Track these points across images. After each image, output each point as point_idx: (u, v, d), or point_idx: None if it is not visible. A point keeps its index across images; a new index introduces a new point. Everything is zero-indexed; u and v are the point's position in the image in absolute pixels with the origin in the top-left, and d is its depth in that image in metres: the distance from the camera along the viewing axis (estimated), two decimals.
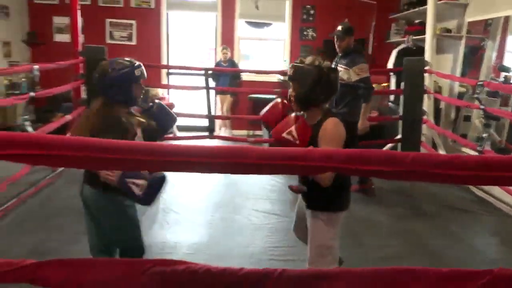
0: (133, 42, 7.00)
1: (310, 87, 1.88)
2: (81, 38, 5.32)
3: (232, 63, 6.64)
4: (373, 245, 3.15)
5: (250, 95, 6.75)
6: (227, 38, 7.05)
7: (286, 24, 7.13)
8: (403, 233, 3.39)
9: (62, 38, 6.72)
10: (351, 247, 3.09)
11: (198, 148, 0.84)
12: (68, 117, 4.38)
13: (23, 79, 6.09)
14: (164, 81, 7.12)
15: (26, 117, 3.54)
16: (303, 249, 3.01)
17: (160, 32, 7.02)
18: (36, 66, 3.47)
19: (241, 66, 7.27)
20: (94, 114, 1.93)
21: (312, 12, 7.07)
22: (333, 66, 3.79)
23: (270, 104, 2.11)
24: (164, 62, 7.07)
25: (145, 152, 0.85)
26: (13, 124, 5.82)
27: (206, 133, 5.08)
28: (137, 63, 1.97)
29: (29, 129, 3.48)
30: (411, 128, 4.97)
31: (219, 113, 6.83)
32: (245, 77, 7.00)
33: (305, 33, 7.13)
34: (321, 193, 1.91)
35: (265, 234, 3.28)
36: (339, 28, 3.82)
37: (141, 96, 2.04)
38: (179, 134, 6.69)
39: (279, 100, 2.09)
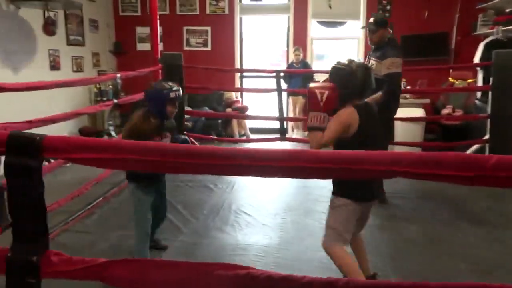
0: (208, 48, 7.24)
1: (341, 85, 2.13)
2: (160, 46, 5.61)
3: (304, 64, 6.58)
4: (461, 255, 2.89)
5: None
6: (300, 39, 7.01)
7: (360, 21, 6.90)
8: (495, 243, 3.08)
9: (144, 46, 7.16)
10: (436, 257, 2.88)
11: (252, 151, 0.83)
12: None
13: (110, 87, 6.60)
14: (237, 84, 7.28)
15: (110, 122, 3.82)
16: (377, 258, 2.88)
17: (233, 37, 7.18)
18: (118, 75, 3.74)
19: (316, 66, 7.18)
20: (134, 119, 2.47)
21: (388, 7, 6.77)
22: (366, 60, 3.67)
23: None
24: (237, 65, 7.23)
25: (201, 156, 0.85)
26: (102, 129, 6.32)
27: (278, 135, 5.07)
28: (175, 87, 2.47)
29: (113, 133, 3.75)
30: (501, 127, 4.53)
31: (291, 115, 6.81)
32: (318, 77, 6.90)
33: None
34: (337, 180, 2.15)
35: None
36: (371, 20, 3.66)
37: (175, 111, 2.52)
38: (252, 136, 6.79)
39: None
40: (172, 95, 2.42)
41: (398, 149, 5.56)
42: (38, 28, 5.17)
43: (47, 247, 0.95)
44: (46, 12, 5.06)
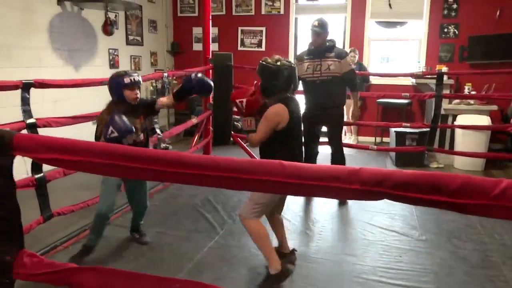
0: (262, 49, 7.19)
1: (266, 80, 2.42)
2: (214, 47, 5.64)
3: (360, 66, 6.31)
4: None
5: (379, 100, 6.33)
6: (357, 40, 6.74)
7: (423, 21, 6.49)
8: None
9: (200, 47, 7.22)
10: (489, 282, 2.59)
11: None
12: (194, 120, 4.68)
13: (167, 85, 6.76)
14: None
15: (156, 120, 3.87)
16: (418, 274, 2.66)
17: (288, 37, 7.08)
18: (165, 73, 3.79)
19: (375, 69, 6.89)
20: (103, 110, 2.66)
21: (455, 6, 6.30)
22: (304, 62, 3.83)
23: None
24: None
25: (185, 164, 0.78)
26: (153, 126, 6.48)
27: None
28: (132, 73, 2.59)
29: (158, 130, 3.81)
30: None
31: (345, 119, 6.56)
32: (375, 80, 6.60)
33: (445, 30, 6.38)
34: (263, 152, 2.51)
35: (377, 252, 2.98)
36: (316, 23, 3.77)
37: (136, 96, 2.62)
38: None
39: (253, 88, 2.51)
40: (126, 80, 2.55)
41: (458, 159, 5.13)
42: (99, 28, 5.42)
43: (22, 246, 0.93)
44: (106, 13, 5.28)
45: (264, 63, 2.44)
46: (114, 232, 3.25)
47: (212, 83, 2.81)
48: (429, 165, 5.26)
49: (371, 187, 0.66)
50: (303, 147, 2.69)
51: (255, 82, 2.52)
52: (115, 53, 5.96)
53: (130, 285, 0.85)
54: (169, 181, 0.69)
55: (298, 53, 4.08)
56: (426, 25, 6.47)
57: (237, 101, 2.39)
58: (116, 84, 2.57)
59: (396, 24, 6.76)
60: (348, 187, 0.67)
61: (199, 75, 2.73)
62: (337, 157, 3.97)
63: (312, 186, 0.69)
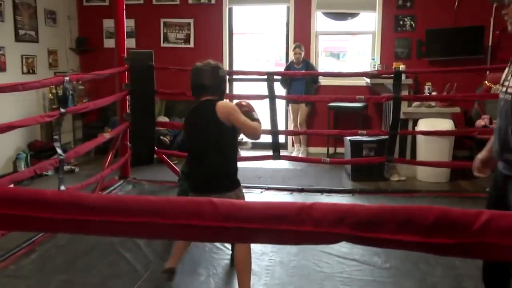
0: (190, 45, 7.14)
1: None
2: (128, 43, 5.50)
3: (306, 64, 6.45)
4: None
5: (330, 104, 6.48)
6: (302, 34, 6.90)
7: (376, 13, 6.80)
8: None
9: (112, 43, 7.05)
10: None
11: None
12: (107, 135, 4.48)
13: (70, 92, 6.48)
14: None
15: (56, 137, 3.62)
16: None
17: (221, 31, 7.08)
18: (67, 78, 3.58)
19: (325, 67, 7.06)
20: None
21: None
22: None
23: None
24: (226, 66, 7.10)
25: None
26: None
27: (271, 153, 4.90)
28: None
29: (59, 150, 3.58)
30: None
31: (291, 127, 6.66)
32: (324, 81, 6.76)
33: (401, 22, 6.73)
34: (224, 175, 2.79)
35: (336, 287, 3.01)
36: None
37: None
38: (241, 153, 6.62)
39: None
40: None
41: (421, 170, 5.38)
42: None
43: None
44: None
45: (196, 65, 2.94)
46: (6, 287, 3.02)
47: None
48: (390, 178, 5.45)
49: (327, 228, 0.63)
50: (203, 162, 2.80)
51: None
52: (1, 52, 5.62)
53: None
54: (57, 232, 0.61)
55: None
56: (379, 17, 6.78)
57: None
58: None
59: (347, 16, 7.01)
60: (298, 230, 0.63)
61: None
62: None
63: (252, 230, 0.65)
